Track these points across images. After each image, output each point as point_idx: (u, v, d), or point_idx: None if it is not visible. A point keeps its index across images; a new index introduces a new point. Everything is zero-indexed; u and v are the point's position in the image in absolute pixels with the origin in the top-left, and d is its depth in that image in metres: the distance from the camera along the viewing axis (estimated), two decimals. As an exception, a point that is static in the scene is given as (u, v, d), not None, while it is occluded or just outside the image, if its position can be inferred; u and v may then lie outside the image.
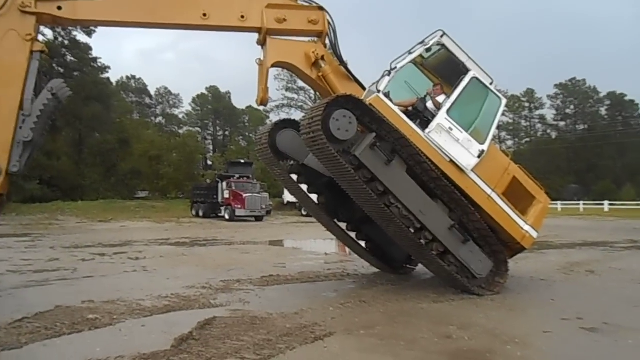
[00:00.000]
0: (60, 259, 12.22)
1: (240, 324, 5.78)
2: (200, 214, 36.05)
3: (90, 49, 53.48)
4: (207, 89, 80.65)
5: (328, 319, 6.12)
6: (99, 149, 53.42)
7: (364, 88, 8.48)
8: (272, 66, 8.17)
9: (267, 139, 8.56)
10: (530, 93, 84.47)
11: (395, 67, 7.81)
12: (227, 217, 32.75)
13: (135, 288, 8.07)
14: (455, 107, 7.84)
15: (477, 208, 7.86)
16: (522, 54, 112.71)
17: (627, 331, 5.84)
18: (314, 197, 9.35)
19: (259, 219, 32.79)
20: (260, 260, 12.32)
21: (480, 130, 8.07)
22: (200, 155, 65.08)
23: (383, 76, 7.78)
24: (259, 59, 8.27)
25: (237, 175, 35.35)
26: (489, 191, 8.00)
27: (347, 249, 11.86)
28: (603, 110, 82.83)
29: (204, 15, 7.68)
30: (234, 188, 33.03)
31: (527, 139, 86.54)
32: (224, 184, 34.04)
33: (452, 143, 7.73)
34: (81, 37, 51.40)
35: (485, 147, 7.91)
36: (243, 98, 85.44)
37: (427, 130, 7.68)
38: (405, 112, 7.90)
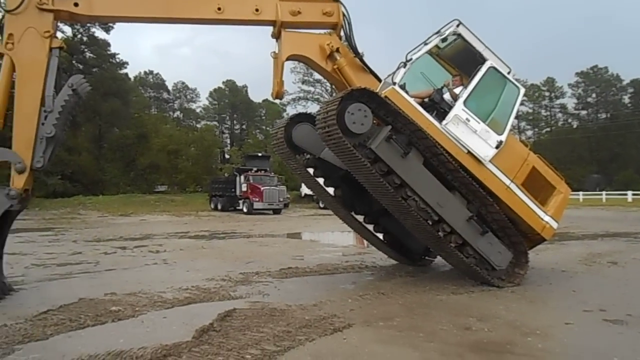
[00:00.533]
0: (82, 252, 12.46)
1: (259, 316, 5.83)
2: (219, 207, 36.38)
3: (109, 45, 54.35)
4: (223, 83, 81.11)
5: (347, 311, 6.14)
6: (118, 144, 54.22)
7: (379, 80, 8.43)
8: (287, 59, 8.15)
9: (282, 134, 8.58)
10: (550, 82, 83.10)
11: (411, 59, 7.73)
12: (245, 210, 33.00)
13: (156, 280, 8.19)
14: (472, 98, 7.75)
15: (496, 199, 7.78)
16: (541, 42, 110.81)
17: (651, 323, 5.74)
18: (331, 190, 9.36)
19: (276, 211, 32.97)
20: (279, 252, 12.40)
21: (498, 121, 7.96)
22: (218, 149, 65.48)
23: (398, 68, 7.71)
24: (274, 52, 8.27)
25: (255, 169, 35.55)
26: (507, 182, 7.91)
27: (365, 242, 11.86)
28: (626, 99, 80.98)
29: (219, 9, 7.70)
30: (251, 181, 33.24)
31: (548, 129, 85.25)
32: (242, 177, 34.26)
33: (470, 134, 7.65)
34: (99, 33, 52.20)
35: (503, 137, 7.81)
36: (260, 91, 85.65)
37: (444, 122, 7.60)
38: (422, 104, 7.83)
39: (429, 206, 7.38)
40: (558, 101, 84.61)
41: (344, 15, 8.22)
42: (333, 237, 17.10)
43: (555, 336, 5.25)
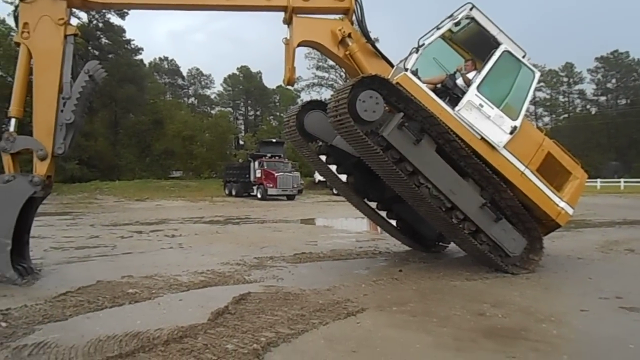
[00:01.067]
0: (100, 236, 12.66)
1: (274, 300, 5.89)
2: (233, 193, 36.58)
3: (124, 31, 54.60)
4: (238, 69, 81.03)
5: (360, 296, 6.17)
6: (134, 130, 54.67)
7: (391, 65, 8.35)
8: (299, 45, 8.10)
9: (294, 121, 8.56)
10: (569, 67, 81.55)
11: (423, 44, 7.62)
12: (259, 195, 33.15)
13: (172, 264, 8.30)
14: (486, 83, 7.63)
15: (510, 185, 7.70)
16: (560, 26, 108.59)
17: (668, 311, 5.68)
18: (343, 177, 9.34)
19: (290, 197, 33.07)
20: (293, 238, 12.46)
21: (513, 106, 7.83)
22: (232, 135, 65.77)
23: (410, 53, 7.62)
24: (285, 38, 8.23)
25: (269, 155, 35.59)
26: (522, 168, 7.81)
27: (378, 228, 11.86)
28: (647, 84, 79.18)
29: None
30: (265, 167, 33.31)
31: (565, 115, 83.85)
32: (256, 163, 34.33)
33: (483, 120, 7.55)
34: (115, 19, 52.43)
35: (517, 122, 7.69)
36: (274, 77, 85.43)
37: (456, 108, 7.51)
38: (434, 90, 7.74)
39: (442, 193, 7.33)
40: (576, 87, 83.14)
41: (355, 0, 8.14)
42: (346, 223, 17.12)
43: (570, 323, 5.23)
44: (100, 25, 53.06)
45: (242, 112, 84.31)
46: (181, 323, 4.85)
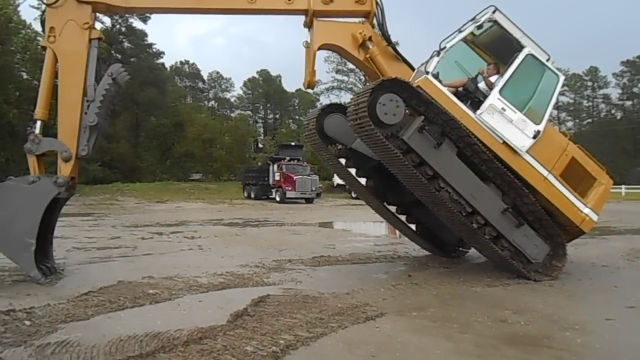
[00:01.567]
0: (121, 237, 12.82)
1: (292, 302, 5.87)
2: (252, 195, 36.78)
3: (146, 35, 55.47)
4: (257, 72, 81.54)
5: (379, 300, 6.12)
6: (155, 133, 55.37)
7: (412, 69, 8.30)
8: (319, 49, 8.11)
9: (314, 124, 8.55)
10: (593, 71, 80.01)
11: (445, 47, 7.54)
12: (277, 198, 33.25)
13: (192, 265, 8.35)
14: (509, 86, 7.52)
15: (532, 191, 7.57)
16: (584, 29, 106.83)
17: (698, 321, 5.51)
18: (363, 180, 9.29)
19: (309, 201, 33.12)
20: (311, 241, 12.45)
21: (536, 110, 7.70)
22: (252, 138, 66.19)
23: (432, 57, 7.54)
24: (306, 42, 8.25)
25: (288, 158, 35.72)
26: (545, 173, 7.67)
27: (397, 232, 11.79)
28: (675, 89, 77.19)
29: None
30: (284, 170, 33.43)
31: (589, 120, 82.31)
32: (275, 166, 34.51)
33: (505, 124, 7.43)
34: (137, 23, 53.33)
35: (541, 127, 7.55)
36: (293, 81, 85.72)
37: (478, 112, 7.41)
38: (456, 93, 7.66)
39: (462, 197, 7.25)
40: (601, 91, 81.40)
41: (376, 3, 8.12)
42: (365, 227, 17.06)
43: (595, 331, 5.09)
44: (123, 29, 54.04)
45: (261, 115, 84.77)
46: (201, 324, 4.87)
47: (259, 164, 44.03)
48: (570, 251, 8.02)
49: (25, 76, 41.32)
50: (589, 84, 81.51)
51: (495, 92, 7.47)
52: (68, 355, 4.07)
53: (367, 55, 8.11)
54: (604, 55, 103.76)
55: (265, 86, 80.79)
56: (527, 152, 7.55)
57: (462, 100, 7.55)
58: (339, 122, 8.35)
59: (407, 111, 7.05)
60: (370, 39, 8.08)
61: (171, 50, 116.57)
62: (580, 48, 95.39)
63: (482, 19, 7.62)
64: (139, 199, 33.45)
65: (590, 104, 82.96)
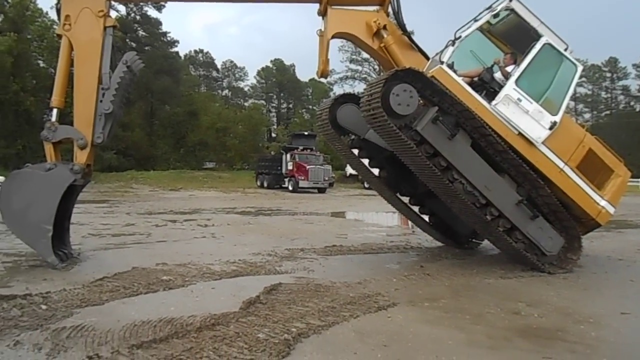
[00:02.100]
0: (135, 224, 12.96)
1: (304, 291, 5.89)
2: (265, 184, 36.88)
3: (160, 23, 55.57)
4: (271, 61, 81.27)
5: (391, 290, 6.11)
6: (169, 121, 55.67)
7: (427, 58, 8.21)
8: (333, 37, 8.02)
9: (327, 114, 8.50)
10: (612, 62, 78.46)
11: (460, 37, 7.40)
12: (290, 188, 33.32)
13: (205, 253, 8.41)
14: (525, 76, 7.39)
15: (548, 182, 7.47)
16: (604, 20, 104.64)
17: None
18: (376, 171, 9.24)
19: (321, 190, 33.11)
20: (323, 230, 12.47)
21: (553, 100, 7.57)
22: (265, 128, 66.24)
23: (447, 46, 7.43)
24: (320, 30, 8.17)
25: (301, 147, 35.69)
26: (561, 165, 7.57)
27: (410, 223, 11.74)
28: (697, 80, 75.43)
29: None
30: (297, 160, 33.43)
31: (607, 112, 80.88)
32: (288, 155, 34.51)
33: (521, 115, 7.32)
34: (152, 12, 53.36)
35: (557, 118, 7.43)
36: (307, 70, 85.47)
37: (493, 102, 7.31)
38: (471, 84, 7.55)
39: (476, 189, 7.18)
40: (620, 82, 79.84)
41: None
42: (377, 217, 17.03)
43: (610, 325, 5.03)
44: (138, 17, 54.19)
45: (274, 104, 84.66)
46: (214, 311, 4.91)
47: (272, 153, 44.09)
48: (585, 244, 7.93)
49: (41, 64, 41.84)
50: (608, 75, 80.00)
51: (511, 82, 7.36)
52: (83, 340, 4.13)
53: (382, 45, 8.03)
54: (624, 45, 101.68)
55: (278, 75, 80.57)
56: (543, 143, 7.45)
57: (477, 91, 7.45)
58: (352, 112, 8.29)
59: (420, 101, 6.98)
60: (384, 27, 7.98)
61: (185, 39, 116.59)
62: (600, 38, 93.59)
63: (499, 7, 7.47)
64: (153, 187, 33.74)
65: (609, 95, 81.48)
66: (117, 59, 7.58)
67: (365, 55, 55.16)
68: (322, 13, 8.08)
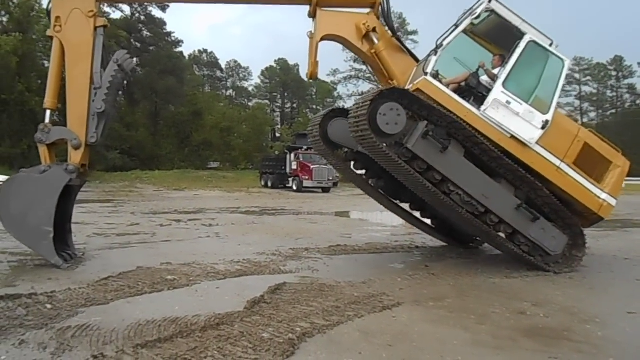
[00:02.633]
0: (140, 223, 12.99)
1: (309, 290, 5.88)
2: (269, 184, 36.91)
3: (165, 24, 55.67)
4: (275, 61, 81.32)
5: (396, 290, 6.10)
6: (174, 121, 55.85)
7: (417, 60, 8.17)
8: (322, 39, 7.98)
9: (318, 130, 8.47)
10: (618, 61, 77.99)
11: (442, 45, 7.28)
12: (294, 187, 33.33)
13: (209, 252, 8.42)
14: (512, 77, 7.27)
15: (546, 182, 7.40)
16: (608, 18, 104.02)
17: None
18: (373, 181, 9.16)
19: (325, 190, 33.10)
20: (328, 230, 12.46)
21: (543, 99, 7.47)
22: (269, 127, 66.29)
23: (429, 56, 7.35)
24: (310, 32, 8.12)
25: (305, 147, 35.61)
26: (557, 163, 7.47)
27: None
28: None
29: None
30: (301, 159, 33.44)
31: (613, 111, 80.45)
32: (292, 155, 34.53)
33: (512, 117, 7.22)
34: (156, 12, 53.43)
35: (549, 116, 7.33)
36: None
37: (482, 108, 7.21)
38: (459, 89, 7.48)
39: (473, 199, 7.08)
40: (626, 81, 79.33)
41: None
42: (381, 217, 16.96)
43: (616, 325, 5.01)
44: (142, 18, 54.33)
45: (279, 104, 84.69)
46: (218, 310, 4.91)
47: (276, 153, 44.08)
48: (591, 243, 7.91)
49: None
50: (614, 73, 79.54)
51: (498, 85, 7.25)
52: (88, 339, 4.13)
53: (373, 51, 8.00)
54: (629, 43, 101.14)
55: (282, 75, 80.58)
56: (537, 143, 7.36)
57: (465, 96, 7.38)
58: (343, 126, 8.02)
59: (409, 114, 6.87)
60: (374, 30, 7.93)
61: (190, 39, 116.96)
62: (605, 37, 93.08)
63: (479, 10, 7.35)
64: (158, 187, 33.82)
65: (615, 94, 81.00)
66: (108, 57, 7.59)
67: (369, 54, 54.96)
68: (312, 15, 8.03)
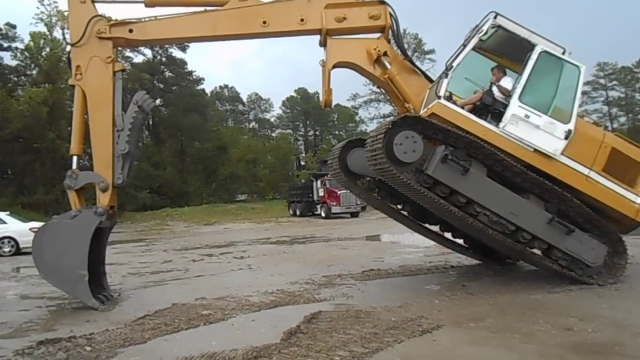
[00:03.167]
0: (173, 260, 13.10)
1: (345, 318, 5.79)
2: (297, 213, 36.90)
3: (186, 63, 57.16)
4: (295, 91, 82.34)
5: (434, 312, 5.96)
6: (200, 157, 56.71)
7: (431, 80, 8.14)
8: (334, 67, 8.06)
9: (337, 163, 8.48)
10: (645, 62, 76.17)
11: (452, 66, 7.18)
12: (323, 214, 33.20)
13: (243, 285, 8.41)
14: (528, 90, 7.12)
15: (576, 192, 7.16)
16: (630, 19, 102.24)
17: None
18: (399, 207, 9.04)
19: (354, 215, 32.90)
20: (359, 255, 12.33)
21: (563, 108, 7.26)
22: (294, 156, 66.74)
23: (440, 79, 7.27)
24: (322, 60, 8.19)
25: (331, 173, 35.67)
26: (586, 171, 7.24)
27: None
28: None
29: (264, 22, 7.80)
30: (328, 186, 33.39)
31: (643, 114, 78.19)
32: (318, 182, 34.55)
33: (533, 131, 7.05)
34: (177, 52, 55.01)
35: (571, 125, 7.11)
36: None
37: (501, 125, 7.06)
38: (475, 109, 7.35)
39: (502, 218, 6.88)
40: (656, 83, 77.08)
41: (391, 15, 8.01)
42: (413, 238, 16.65)
43: (670, 336, 4.76)
44: (164, 59, 55.99)
45: (301, 132, 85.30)
46: (255, 343, 4.87)
47: (303, 181, 44.27)
48: (634, 253, 7.56)
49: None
50: (640, 75, 77.63)
51: (515, 100, 7.11)
52: (128, 379, 4.13)
53: (386, 76, 8.02)
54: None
55: (303, 104, 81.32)
56: (562, 154, 7.16)
57: (482, 115, 7.26)
58: (362, 156, 7.92)
59: (424, 140, 6.78)
60: (385, 54, 7.95)
61: (210, 76, 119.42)
62: (629, 39, 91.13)
63: (485, 27, 7.26)
64: (188, 223, 34.22)
65: (644, 97, 78.87)
66: (128, 99, 7.81)
67: (387, 77, 55.16)
68: (323, 44, 8.12)
